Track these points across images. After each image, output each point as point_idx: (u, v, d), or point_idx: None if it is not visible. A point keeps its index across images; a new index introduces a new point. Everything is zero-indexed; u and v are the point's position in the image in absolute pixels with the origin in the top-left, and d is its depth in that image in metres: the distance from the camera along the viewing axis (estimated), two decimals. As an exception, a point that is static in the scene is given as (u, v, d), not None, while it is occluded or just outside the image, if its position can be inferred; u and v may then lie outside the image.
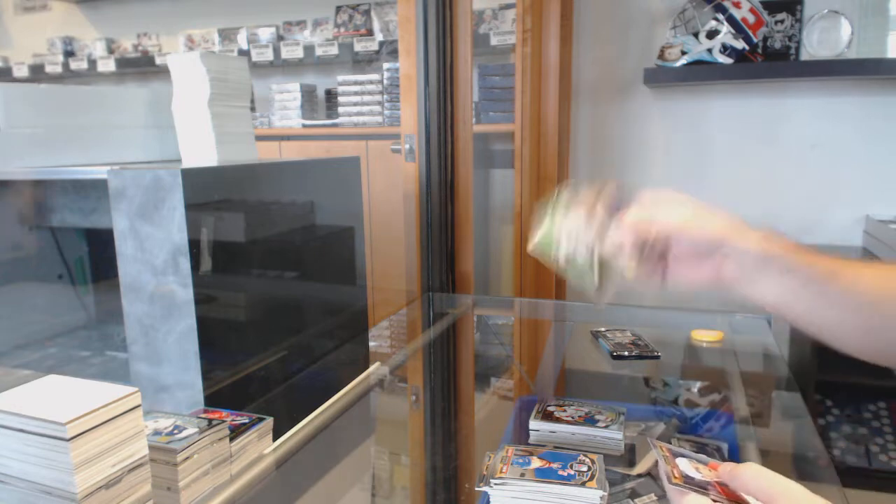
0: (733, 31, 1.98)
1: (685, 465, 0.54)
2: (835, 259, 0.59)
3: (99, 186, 1.18)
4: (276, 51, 2.85)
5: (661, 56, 2.07)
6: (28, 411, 0.57)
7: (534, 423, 0.86)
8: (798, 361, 1.85)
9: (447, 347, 1.43)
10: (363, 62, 2.78)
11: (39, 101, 1.20)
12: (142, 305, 0.99)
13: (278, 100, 2.81)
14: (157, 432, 0.71)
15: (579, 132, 2.37)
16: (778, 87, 2.14)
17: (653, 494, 0.72)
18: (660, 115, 2.29)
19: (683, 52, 2.04)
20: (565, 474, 0.68)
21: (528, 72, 1.98)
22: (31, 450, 0.57)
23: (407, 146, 1.60)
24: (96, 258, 1.46)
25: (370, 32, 2.78)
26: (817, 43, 2.03)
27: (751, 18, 1.97)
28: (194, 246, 0.95)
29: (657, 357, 1.22)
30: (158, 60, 3.10)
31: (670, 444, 0.63)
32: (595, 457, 0.72)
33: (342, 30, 2.84)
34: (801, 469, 0.87)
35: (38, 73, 3.40)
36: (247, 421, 0.81)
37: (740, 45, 1.98)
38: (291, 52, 2.82)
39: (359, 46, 2.70)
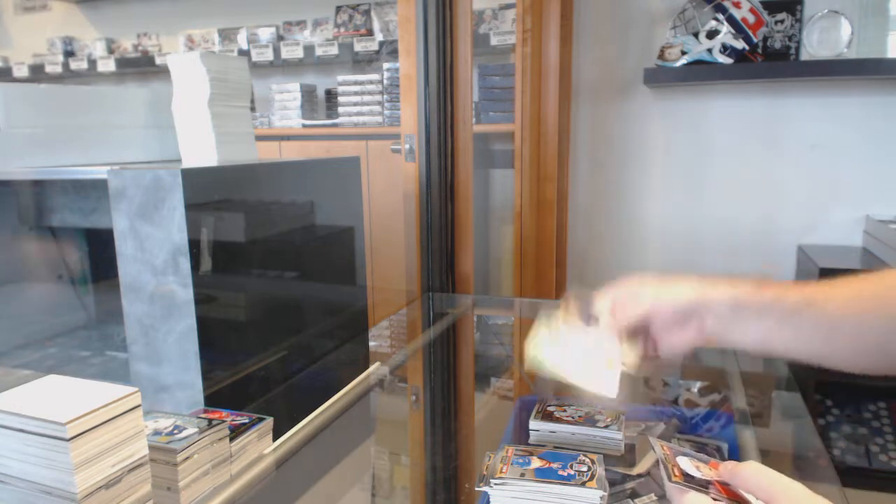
0: (733, 31, 1.98)
1: (685, 464, 0.54)
2: (805, 286, 0.62)
3: (99, 186, 1.18)
4: (276, 51, 2.85)
5: (661, 56, 2.07)
6: (28, 411, 0.57)
7: (534, 423, 0.86)
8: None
9: (447, 347, 1.43)
10: (363, 62, 2.78)
11: (39, 101, 1.20)
12: (142, 305, 0.99)
13: (278, 100, 2.81)
14: (157, 432, 0.71)
15: (579, 132, 2.37)
16: (778, 87, 2.14)
17: (653, 494, 0.72)
18: (660, 115, 2.29)
19: (683, 52, 2.04)
20: (565, 474, 0.68)
21: (528, 72, 1.98)
22: (31, 450, 0.57)
23: (407, 146, 1.60)
24: (96, 258, 1.46)
25: (370, 32, 2.78)
26: (817, 43, 2.03)
27: (751, 18, 1.97)
28: (194, 246, 0.95)
29: (657, 357, 1.21)
30: (158, 60, 3.10)
31: (670, 443, 0.63)
32: (595, 457, 0.72)
33: (342, 30, 2.84)
34: (801, 469, 0.88)
35: (38, 73, 3.40)
36: (247, 421, 0.81)
37: (740, 45, 1.98)
38: (291, 52, 2.82)
39: (359, 46, 2.70)
